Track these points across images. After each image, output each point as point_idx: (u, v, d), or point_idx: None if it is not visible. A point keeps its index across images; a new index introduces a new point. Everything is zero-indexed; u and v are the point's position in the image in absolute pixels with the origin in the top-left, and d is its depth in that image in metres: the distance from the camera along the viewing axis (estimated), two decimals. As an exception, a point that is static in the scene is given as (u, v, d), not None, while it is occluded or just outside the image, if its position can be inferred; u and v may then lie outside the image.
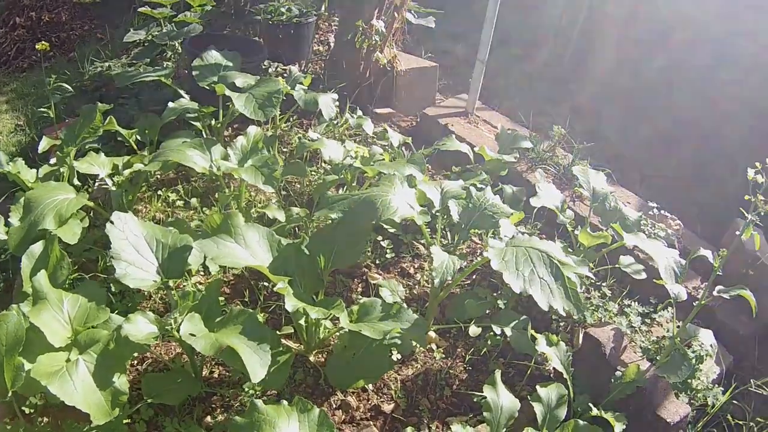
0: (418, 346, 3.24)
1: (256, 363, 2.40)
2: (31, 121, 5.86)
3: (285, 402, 2.26)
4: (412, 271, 3.79)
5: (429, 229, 3.35)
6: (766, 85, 5.70)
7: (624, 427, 2.79)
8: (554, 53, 7.16)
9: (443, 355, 3.29)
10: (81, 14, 8.38)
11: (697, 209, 4.86)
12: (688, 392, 3.07)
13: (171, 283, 2.85)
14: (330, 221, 3.30)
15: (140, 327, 2.57)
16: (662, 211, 4.19)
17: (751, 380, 3.31)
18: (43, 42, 4.63)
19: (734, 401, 3.22)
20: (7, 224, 3.38)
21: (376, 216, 3.00)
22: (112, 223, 2.81)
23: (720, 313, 3.74)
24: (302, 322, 3.02)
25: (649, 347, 3.32)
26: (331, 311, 2.74)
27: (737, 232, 3.01)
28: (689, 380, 3.07)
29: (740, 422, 3.17)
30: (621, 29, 6.77)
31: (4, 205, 4.13)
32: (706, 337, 3.11)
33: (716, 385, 3.19)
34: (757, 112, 5.65)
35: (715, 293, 2.98)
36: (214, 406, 2.90)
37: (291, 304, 2.63)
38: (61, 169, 3.81)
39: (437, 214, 3.35)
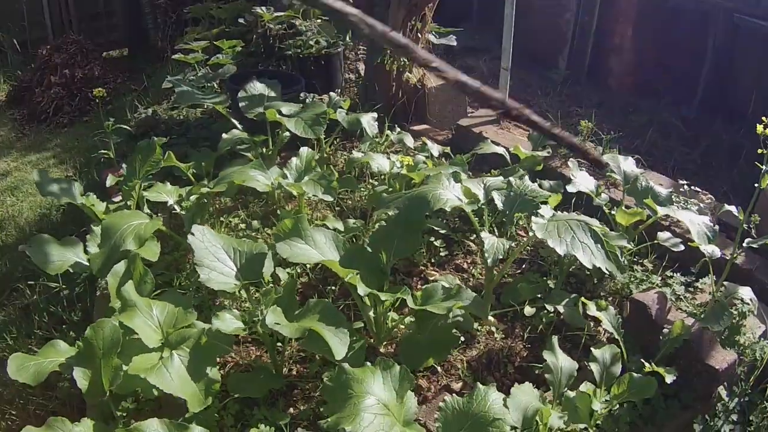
0: (479, 328, 3.46)
1: (338, 343, 2.66)
2: (81, 171, 6.15)
3: (368, 363, 2.51)
4: (465, 266, 3.99)
5: (477, 219, 3.56)
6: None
7: (674, 377, 2.94)
8: (573, 53, 7.38)
9: (503, 336, 3.48)
10: (112, 68, 8.73)
11: (728, 186, 5.05)
12: (736, 348, 3.19)
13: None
14: (385, 222, 3.54)
15: (228, 323, 2.84)
16: (693, 188, 4.32)
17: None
18: (100, 89, 4.98)
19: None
20: (85, 251, 3.64)
21: (428, 208, 3.26)
22: (193, 234, 3.09)
23: (759, 273, 3.81)
24: (371, 314, 3.25)
25: (695, 311, 3.42)
26: (398, 295, 2.98)
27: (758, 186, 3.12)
28: (735, 336, 3.19)
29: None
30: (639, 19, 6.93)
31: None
32: (745, 293, 3.23)
33: (762, 339, 3.30)
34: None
35: (744, 245, 3.11)
36: (296, 398, 3.12)
37: (362, 290, 2.89)
38: (128, 202, 4.08)
39: (483, 207, 3.58)
